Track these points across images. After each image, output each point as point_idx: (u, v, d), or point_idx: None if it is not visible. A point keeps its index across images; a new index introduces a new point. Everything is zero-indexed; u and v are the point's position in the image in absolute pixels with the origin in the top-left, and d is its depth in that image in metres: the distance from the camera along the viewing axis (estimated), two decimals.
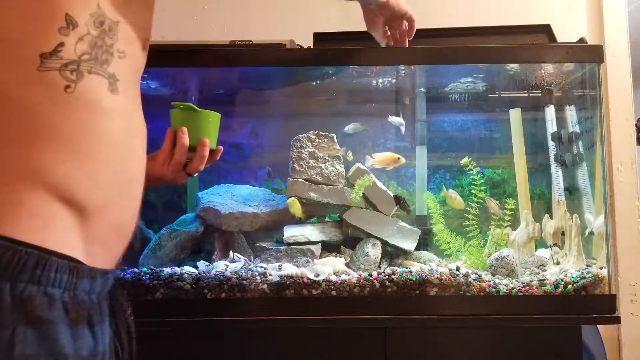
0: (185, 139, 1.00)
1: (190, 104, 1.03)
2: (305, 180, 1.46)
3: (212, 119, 1.06)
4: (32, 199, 0.60)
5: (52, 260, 0.59)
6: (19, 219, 0.58)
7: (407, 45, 1.30)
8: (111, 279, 0.71)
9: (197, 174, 1.04)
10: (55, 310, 0.59)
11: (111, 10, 0.68)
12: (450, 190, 1.49)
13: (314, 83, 1.63)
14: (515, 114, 1.58)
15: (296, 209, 1.42)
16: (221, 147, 1.07)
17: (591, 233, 1.42)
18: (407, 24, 1.26)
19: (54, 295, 0.59)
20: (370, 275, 1.29)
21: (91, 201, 0.64)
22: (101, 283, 0.67)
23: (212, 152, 1.05)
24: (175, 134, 1.01)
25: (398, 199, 1.48)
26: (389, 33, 1.28)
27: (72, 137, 0.63)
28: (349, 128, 1.58)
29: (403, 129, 1.57)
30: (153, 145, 0.91)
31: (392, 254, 1.47)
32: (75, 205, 0.63)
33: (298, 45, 1.46)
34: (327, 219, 1.55)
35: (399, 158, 1.48)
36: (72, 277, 0.61)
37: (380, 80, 1.60)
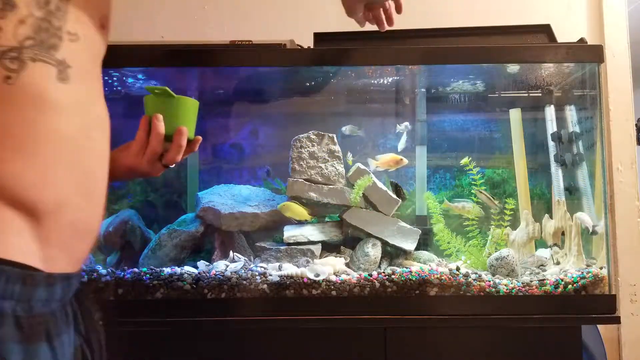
0: (161, 126, 0.91)
1: (166, 88, 0.94)
2: (305, 180, 1.46)
3: (190, 106, 0.97)
4: None
5: (2, 270, 0.52)
6: None
7: (393, 24, 1.22)
8: (75, 283, 0.65)
9: (173, 165, 0.95)
10: (6, 327, 0.52)
11: None
12: (456, 203, 1.47)
13: (314, 83, 1.63)
14: (515, 114, 1.58)
15: (292, 211, 1.41)
16: (199, 137, 0.99)
17: (593, 232, 1.42)
18: (392, 2, 1.20)
19: (5, 309, 0.52)
20: (370, 275, 1.29)
21: (43, 202, 0.58)
22: (62, 289, 0.61)
23: (189, 142, 0.96)
24: (150, 121, 0.93)
25: (395, 187, 1.48)
26: (371, 16, 1.20)
27: (17, 134, 0.57)
28: (346, 129, 1.57)
29: (404, 136, 1.57)
30: None
31: (392, 254, 1.47)
32: (26, 207, 0.57)
33: (298, 45, 1.46)
34: (327, 219, 1.55)
35: (401, 159, 1.48)
36: (26, 287, 0.54)
37: (380, 81, 1.59)
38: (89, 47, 0.64)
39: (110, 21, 0.70)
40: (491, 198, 1.45)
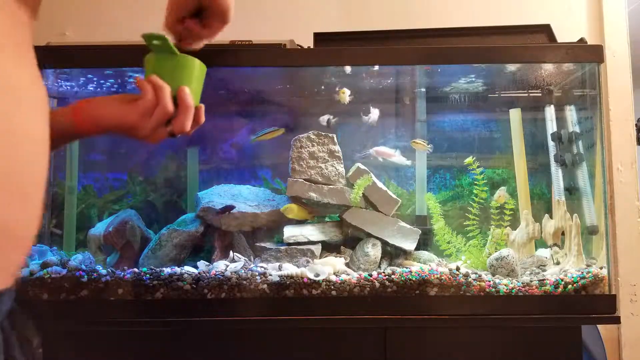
0: (189, 98, 0.82)
1: (166, 38, 0.83)
2: (305, 180, 1.46)
3: (196, 68, 0.87)
4: None
5: None
6: None
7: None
8: (6, 301, 0.54)
9: (180, 134, 0.83)
10: None
11: None
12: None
13: (313, 83, 1.63)
14: (515, 114, 1.58)
15: (295, 214, 1.42)
16: (202, 105, 0.87)
17: (592, 232, 1.42)
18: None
19: None
20: (370, 275, 1.29)
21: None
22: None
23: (194, 111, 0.85)
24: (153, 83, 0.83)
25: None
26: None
27: None
28: (323, 119, 1.56)
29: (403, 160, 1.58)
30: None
31: (392, 254, 1.47)
32: None
33: (298, 45, 1.46)
34: (327, 219, 1.55)
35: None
36: None
37: (380, 81, 1.59)
38: (8, 18, 0.55)
39: None
40: (423, 143, 1.50)
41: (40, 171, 0.57)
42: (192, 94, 0.83)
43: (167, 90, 0.80)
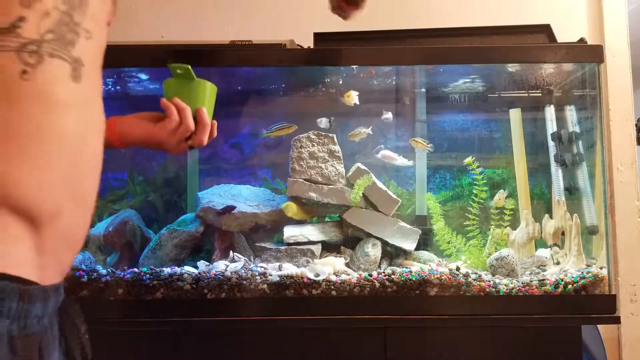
0: (206, 117, 0.97)
1: (189, 67, 0.97)
2: (305, 180, 1.46)
3: (210, 90, 1.01)
4: None
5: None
6: None
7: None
8: (62, 292, 0.62)
9: (200, 146, 0.99)
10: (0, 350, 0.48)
11: None
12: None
13: (313, 83, 1.63)
14: (515, 114, 1.58)
15: (294, 212, 1.42)
16: (215, 122, 1.01)
17: (592, 232, 1.42)
18: None
19: (1, 330, 0.49)
20: (370, 275, 1.29)
21: (45, 209, 0.55)
22: (54, 301, 0.58)
23: (212, 125, 1.00)
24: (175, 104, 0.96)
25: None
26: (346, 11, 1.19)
27: (22, 134, 0.53)
28: (321, 121, 1.56)
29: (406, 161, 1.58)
30: None
31: (392, 254, 1.47)
32: (26, 214, 0.53)
33: (298, 45, 1.46)
34: (327, 219, 1.55)
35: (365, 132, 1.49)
36: (23, 304, 0.51)
37: (380, 81, 1.59)
38: (98, 46, 0.62)
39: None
40: (423, 142, 1.51)
41: (96, 181, 0.65)
42: (207, 111, 0.97)
43: (189, 111, 0.94)
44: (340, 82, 1.61)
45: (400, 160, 1.55)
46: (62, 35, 0.55)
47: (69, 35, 0.56)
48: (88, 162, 0.62)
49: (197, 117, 0.95)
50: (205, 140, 0.97)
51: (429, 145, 1.53)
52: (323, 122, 1.51)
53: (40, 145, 0.55)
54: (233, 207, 1.43)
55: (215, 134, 1.00)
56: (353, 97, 1.44)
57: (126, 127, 0.93)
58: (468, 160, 1.44)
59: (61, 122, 0.57)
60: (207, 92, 0.99)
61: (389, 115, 1.54)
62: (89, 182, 0.63)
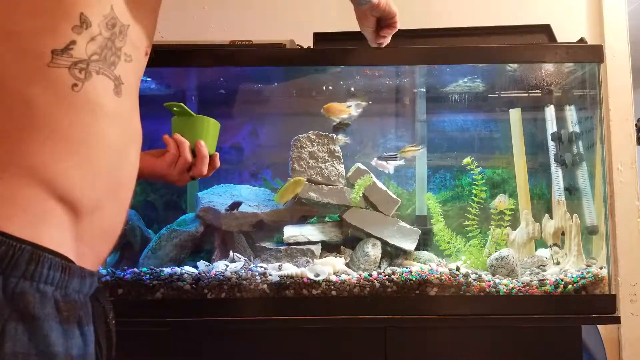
0: (204, 149, 1.05)
1: (182, 105, 1.05)
2: (306, 180, 1.46)
3: (210, 125, 1.09)
4: (28, 194, 0.59)
5: (46, 257, 0.58)
6: (14, 213, 0.58)
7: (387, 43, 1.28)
8: (96, 281, 0.71)
9: (200, 177, 1.07)
10: (48, 308, 0.58)
11: (123, 14, 0.69)
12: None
13: (313, 83, 1.63)
14: (515, 114, 1.58)
15: (291, 190, 1.42)
16: (217, 153, 1.09)
17: (592, 232, 1.42)
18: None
19: (47, 292, 0.58)
20: (370, 275, 1.29)
21: (85, 202, 0.64)
22: (89, 284, 0.67)
23: (211, 158, 1.07)
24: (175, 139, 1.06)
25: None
26: (383, 34, 1.26)
27: (72, 137, 0.63)
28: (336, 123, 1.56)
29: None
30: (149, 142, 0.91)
31: (392, 254, 1.47)
32: (69, 204, 0.63)
33: (298, 45, 1.46)
34: (327, 219, 1.55)
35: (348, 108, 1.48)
36: (64, 275, 0.60)
37: (380, 81, 1.59)
38: (136, 69, 0.73)
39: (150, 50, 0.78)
40: (412, 148, 1.50)
41: (132, 185, 0.75)
42: (207, 146, 1.05)
43: (186, 144, 1.03)
44: (339, 82, 1.62)
45: (392, 167, 1.54)
46: (106, 56, 0.67)
47: (111, 57, 0.67)
48: (127, 167, 0.73)
49: (196, 150, 1.04)
50: (205, 170, 1.05)
51: (419, 147, 1.53)
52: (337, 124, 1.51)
53: (87, 148, 0.65)
54: (240, 203, 1.45)
55: (217, 164, 1.08)
56: (351, 110, 1.44)
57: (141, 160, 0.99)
58: (466, 160, 1.44)
59: (106, 130, 0.67)
60: (207, 126, 1.07)
61: (351, 105, 1.51)
62: (127, 186, 0.74)
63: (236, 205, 1.44)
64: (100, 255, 0.71)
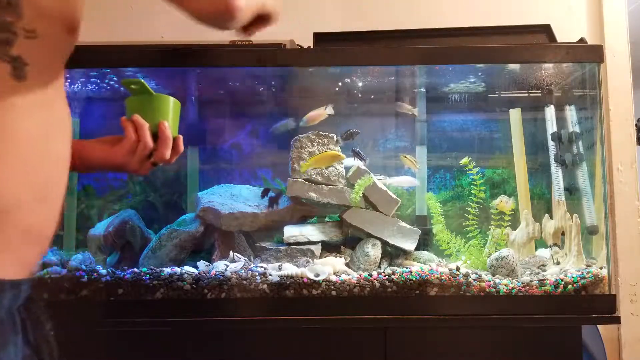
0: (168, 130, 0.92)
1: (142, 81, 0.94)
2: (305, 180, 1.46)
3: (171, 104, 0.97)
4: None
5: None
6: None
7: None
8: (25, 289, 0.62)
9: (162, 163, 0.93)
10: None
11: None
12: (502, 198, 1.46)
13: (313, 83, 1.63)
14: (515, 114, 1.58)
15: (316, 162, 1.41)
16: (180, 136, 0.96)
17: (592, 232, 1.42)
18: None
19: None
20: (370, 275, 1.29)
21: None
22: (10, 296, 0.58)
23: (173, 141, 0.94)
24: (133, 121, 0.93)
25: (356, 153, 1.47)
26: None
27: None
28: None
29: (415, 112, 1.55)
30: None
31: (392, 254, 1.47)
32: None
33: (298, 45, 1.46)
34: (327, 219, 1.55)
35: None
36: None
37: (380, 81, 1.59)
38: (49, 46, 0.62)
39: (80, 24, 0.67)
40: (413, 161, 1.50)
41: (63, 183, 0.66)
42: (170, 127, 0.93)
43: (146, 127, 0.90)
44: (339, 82, 1.62)
45: (361, 163, 1.53)
46: None
47: (2, 35, 0.57)
48: (52, 161, 0.64)
49: (158, 132, 0.91)
50: (168, 155, 0.92)
51: (418, 165, 1.53)
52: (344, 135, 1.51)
53: None
54: (281, 192, 1.45)
55: (181, 148, 0.95)
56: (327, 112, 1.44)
57: (86, 151, 0.90)
58: (464, 160, 1.44)
59: (12, 120, 0.58)
60: (168, 106, 0.96)
61: (329, 108, 1.51)
62: (53, 182, 0.65)
63: (276, 197, 1.43)
64: (26, 260, 0.62)
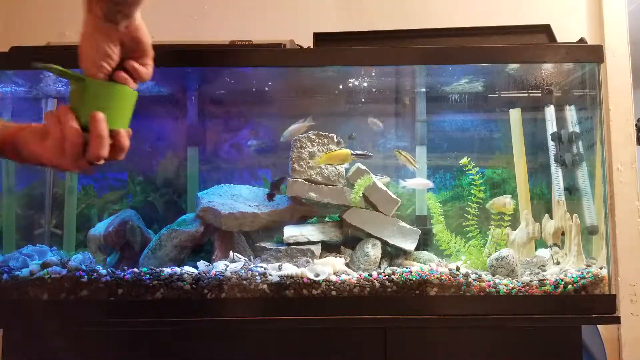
0: (100, 124, 0.75)
1: (60, 68, 0.76)
2: (305, 180, 1.46)
3: (117, 94, 0.79)
4: None
5: None
6: None
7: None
8: None
9: (101, 162, 0.77)
10: None
11: None
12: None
13: (313, 83, 1.63)
14: (515, 114, 1.58)
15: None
16: (125, 130, 0.79)
17: (592, 232, 1.42)
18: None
19: None
20: (370, 275, 1.29)
21: None
22: None
23: (114, 135, 0.77)
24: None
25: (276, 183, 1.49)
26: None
27: None
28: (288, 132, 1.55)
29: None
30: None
31: (392, 254, 1.47)
32: None
33: (298, 45, 1.46)
34: (327, 219, 1.55)
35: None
36: None
37: (380, 81, 1.59)
38: None
39: None
40: (410, 159, 1.49)
41: None
42: (108, 120, 0.76)
43: (70, 121, 0.74)
44: (339, 82, 1.62)
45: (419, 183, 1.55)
46: None
47: None
48: None
49: (90, 126, 0.75)
50: (103, 152, 0.75)
51: (416, 164, 1.53)
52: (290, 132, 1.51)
53: None
54: (283, 178, 1.44)
55: (125, 144, 0.78)
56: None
57: (20, 142, 0.79)
58: (464, 161, 1.44)
59: None
60: (109, 94, 0.78)
61: (376, 122, 1.53)
62: None
63: (279, 182, 1.42)
64: None
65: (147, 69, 0.83)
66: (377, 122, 1.53)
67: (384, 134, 1.70)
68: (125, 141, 0.78)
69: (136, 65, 0.81)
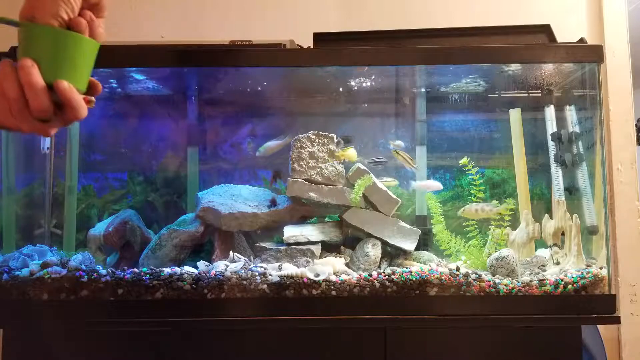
0: (36, 74, 0.64)
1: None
2: (305, 180, 1.46)
3: (70, 42, 0.68)
4: None
5: None
6: None
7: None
8: None
9: (48, 117, 0.67)
10: None
11: None
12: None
13: (312, 83, 1.63)
14: (515, 114, 1.58)
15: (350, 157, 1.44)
16: (97, 83, 0.73)
17: (592, 232, 1.42)
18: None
19: None
20: (370, 275, 1.29)
21: None
22: None
23: (56, 87, 0.66)
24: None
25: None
26: None
27: None
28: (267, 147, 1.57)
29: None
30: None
31: (392, 254, 1.47)
32: None
33: (298, 45, 1.46)
34: (327, 219, 1.55)
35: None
36: None
37: (380, 81, 1.59)
38: None
39: None
40: (408, 159, 1.50)
41: None
42: (75, 72, 0.68)
43: (8, 76, 0.65)
44: (339, 82, 1.62)
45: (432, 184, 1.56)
46: None
47: None
48: None
49: (54, 87, 0.66)
50: (37, 104, 0.65)
51: (414, 164, 1.53)
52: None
53: None
54: (280, 171, 1.45)
55: (73, 97, 0.67)
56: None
57: None
58: (463, 161, 1.44)
59: None
60: (59, 43, 0.67)
61: (398, 143, 1.56)
62: None
63: (277, 174, 1.43)
64: None
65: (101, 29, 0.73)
66: (399, 142, 1.55)
67: (384, 133, 1.70)
68: (70, 95, 0.67)
69: (94, 17, 0.72)
